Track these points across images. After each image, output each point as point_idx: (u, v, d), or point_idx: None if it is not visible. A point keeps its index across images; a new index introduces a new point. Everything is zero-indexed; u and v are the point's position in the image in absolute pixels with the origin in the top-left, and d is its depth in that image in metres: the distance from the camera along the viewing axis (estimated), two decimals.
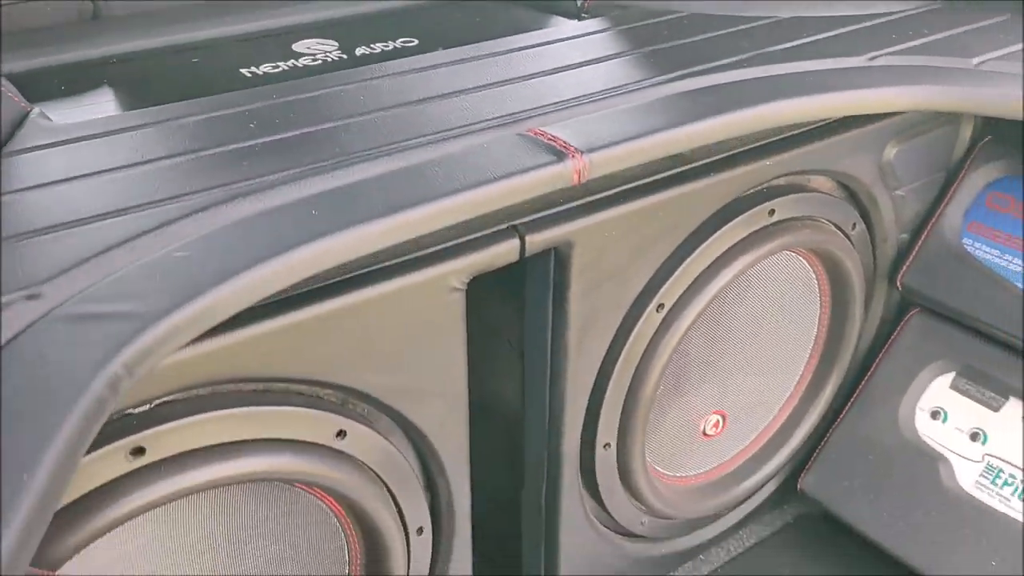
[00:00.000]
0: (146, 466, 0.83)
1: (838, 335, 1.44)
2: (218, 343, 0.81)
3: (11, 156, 0.86)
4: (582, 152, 0.85)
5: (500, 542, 1.34)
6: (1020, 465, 1.32)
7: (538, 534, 1.29)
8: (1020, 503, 1.31)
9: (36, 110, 0.95)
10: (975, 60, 1.07)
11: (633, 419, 1.21)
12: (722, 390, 1.39)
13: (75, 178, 0.82)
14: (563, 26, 1.31)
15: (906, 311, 1.48)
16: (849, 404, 1.48)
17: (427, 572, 1.13)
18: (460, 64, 1.13)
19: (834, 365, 1.46)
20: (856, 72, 1.02)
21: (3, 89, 0.93)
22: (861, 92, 0.97)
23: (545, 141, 0.86)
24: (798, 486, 1.50)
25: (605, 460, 1.23)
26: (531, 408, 1.18)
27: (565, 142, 0.86)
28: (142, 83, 1.13)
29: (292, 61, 1.20)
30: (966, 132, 1.41)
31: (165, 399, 0.83)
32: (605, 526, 1.33)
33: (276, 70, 1.19)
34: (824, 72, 1.02)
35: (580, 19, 1.34)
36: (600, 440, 1.21)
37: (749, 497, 1.50)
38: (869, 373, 1.48)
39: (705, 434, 1.42)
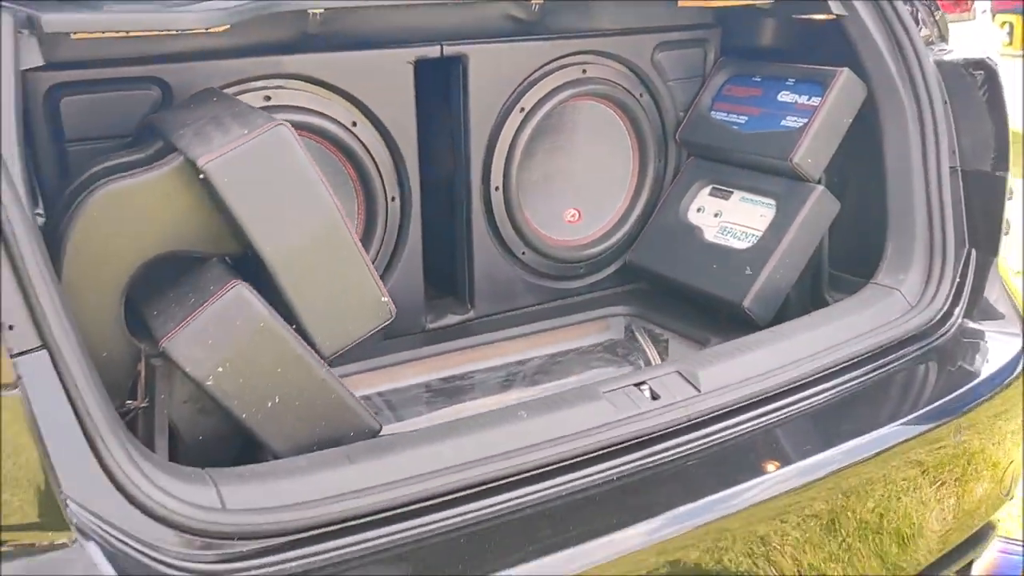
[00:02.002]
0: (269, 106, 1.96)
1: (644, 167, 2.53)
2: (305, 57, 1.96)
3: None
4: None
5: (442, 262, 2.40)
6: (739, 223, 2.36)
7: (462, 251, 2.35)
8: (734, 240, 2.33)
9: None
10: None
11: (510, 173, 2.30)
12: (575, 192, 2.48)
13: None
14: None
15: (688, 157, 2.56)
16: (656, 209, 2.54)
17: (396, 233, 2.20)
18: None
19: (645, 186, 2.54)
20: None
21: None
22: None
23: None
24: (626, 259, 2.54)
25: (497, 199, 2.32)
26: (457, 163, 2.28)
27: None
28: None
29: None
30: (711, 53, 2.55)
31: (281, 83, 1.97)
32: (502, 253, 2.38)
33: None
34: None
35: None
36: (492, 184, 2.29)
37: (600, 261, 2.53)
38: (667, 192, 2.55)
39: (568, 221, 2.50)
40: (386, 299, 1.58)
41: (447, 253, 2.41)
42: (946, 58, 2.24)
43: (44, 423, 1.19)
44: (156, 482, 1.30)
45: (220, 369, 1.44)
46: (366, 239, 2.17)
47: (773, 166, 2.31)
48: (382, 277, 2.22)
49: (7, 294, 1.17)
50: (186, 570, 1.27)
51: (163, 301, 1.51)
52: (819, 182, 2.26)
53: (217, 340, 1.43)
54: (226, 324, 1.44)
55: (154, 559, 1.25)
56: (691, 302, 2.39)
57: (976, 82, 2.18)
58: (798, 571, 1.65)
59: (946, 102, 2.19)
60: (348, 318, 1.55)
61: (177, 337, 1.42)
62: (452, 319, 2.37)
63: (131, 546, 1.24)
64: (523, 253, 2.42)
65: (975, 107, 2.17)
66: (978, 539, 2.09)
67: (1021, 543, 2.27)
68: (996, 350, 2.03)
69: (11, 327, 1.18)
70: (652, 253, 2.50)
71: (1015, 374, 1.98)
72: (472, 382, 2.24)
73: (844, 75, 2.23)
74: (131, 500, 1.26)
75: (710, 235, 2.41)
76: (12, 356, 1.17)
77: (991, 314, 2.12)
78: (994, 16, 8.46)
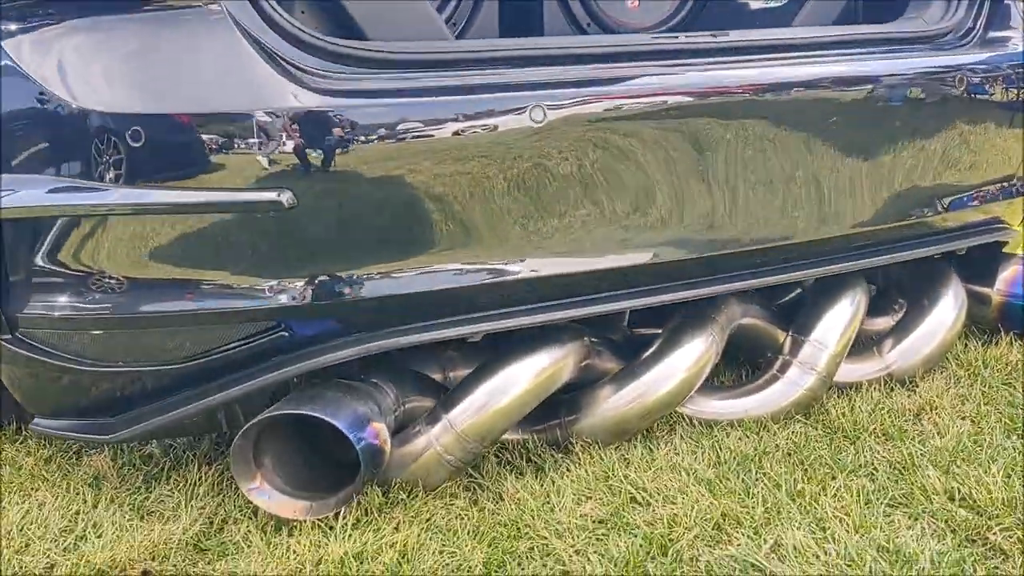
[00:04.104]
0: None
1: None
2: None
3: None
4: None
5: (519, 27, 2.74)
6: None
7: (536, 13, 2.69)
8: (774, 3, 2.62)
9: None
10: None
11: None
12: None
13: None
14: None
15: None
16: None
17: None
18: None
19: None
20: None
21: None
22: None
23: None
24: None
25: None
26: None
27: None
28: None
29: None
30: None
31: None
32: (570, 22, 2.71)
33: None
34: None
35: None
36: None
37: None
38: None
39: (630, 8, 2.83)
40: None
41: (523, 20, 2.75)
42: None
43: None
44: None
45: None
46: None
47: None
48: (462, 30, 2.59)
49: None
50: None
51: None
52: None
53: None
54: None
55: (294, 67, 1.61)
56: None
57: None
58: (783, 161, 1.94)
59: None
60: None
61: None
62: None
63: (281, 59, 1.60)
64: (588, 25, 2.75)
65: None
66: (985, 227, 2.30)
67: None
68: (1006, 47, 2.26)
69: None
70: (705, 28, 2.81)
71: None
72: None
73: None
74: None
75: (755, 6, 2.71)
76: None
77: (1004, 29, 2.34)
78: None
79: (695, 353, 1.96)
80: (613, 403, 1.93)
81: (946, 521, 1.61)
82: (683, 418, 2.01)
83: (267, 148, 1.52)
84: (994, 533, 1.56)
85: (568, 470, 1.84)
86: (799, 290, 2.44)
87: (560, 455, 1.90)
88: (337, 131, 1.55)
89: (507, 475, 1.83)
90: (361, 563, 1.55)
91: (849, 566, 1.48)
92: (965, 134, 2.13)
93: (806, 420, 2.02)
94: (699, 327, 1.99)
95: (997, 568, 1.50)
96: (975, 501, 1.65)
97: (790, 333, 2.11)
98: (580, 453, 1.88)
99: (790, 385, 2.05)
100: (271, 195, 1.51)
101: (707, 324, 2.00)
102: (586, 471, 1.82)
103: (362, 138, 1.56)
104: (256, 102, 1.52)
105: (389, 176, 1.60)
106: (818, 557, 1.51)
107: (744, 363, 2.27)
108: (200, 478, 1.85)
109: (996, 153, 2.20)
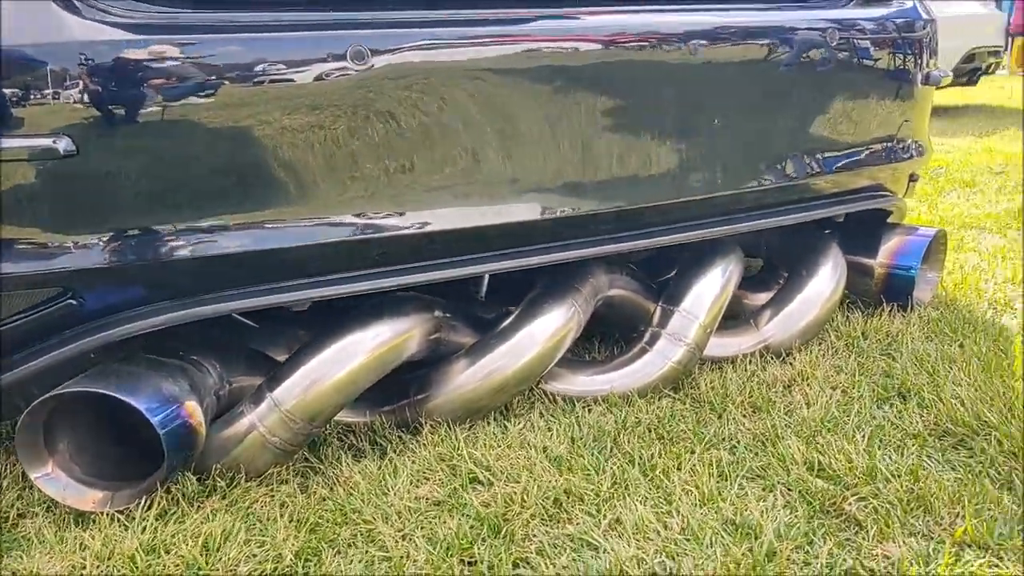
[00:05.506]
0: None
1: None
2: None
3: None
4: None
5: None
6: None
7: None
8: None
9: None
10: None
11: None
12: None
13: None
14: None
15: None
16: None
17: None
18: None
19: None
20: None
21: None
22: None
23: None
24: None
25: None
26: None
27: None
28: None
29: None
30: None
31: None
32: None
33: None
34: None
35: None
36: None
37: None
38: None
39: None
40: None
41: None
42: None
43: None
44: None
45: None
46: None
47: None
48: None
49: None
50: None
51: None
52: None
53: None
54: None
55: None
56: None
57: None
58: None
59: None
60: None
61: None
62: None
63: None
64: None
65: None
66: (866, 194, 2.21)
67: (934, 231, 2.36)
68: (889, 3, 2.17)
69: None
70: None
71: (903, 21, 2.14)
72: None
73: None
74: None
75: None
76: None
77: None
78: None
79: (554, 324, 1.83)
80: (465, 379, 1.78)
81: (800, 492, 1.50)
82: (545, 395, 1.88)
83: (42, 88, 1.35)
84: (849, 503, 1.45)
85: (413, 451, 1.70)
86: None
87: (408, 436, 1.76)
88: (124, 71, 1.38)
89: (346, 458, 1.68)
90: (156, 556, 1.39)
91: (688, 540, 1.36)
92: (841, 93, 2.04)
93: (675, 394, 1.91)
94: (559, 297, 1.86)
95: (849, 539, 1.39)
96: (834, 471, 1.55)
97: (659, 304, 2.00)
98: (428, 434, 1.74)
99: (658, 358, 1.93)
100: (44, 142, 1.35)
101: (568, 294, 1.87)
102: (429, 452, 1.68)
103: (152, 79, 1.40)
104: (27, 34, 1.35)
105: (183, 122, 1.43)
106: (658, 533, 1.39)
107: (619, 339, 2.16)
108: (5, 470, 1.68)
109: (875, 113, 2.11)
